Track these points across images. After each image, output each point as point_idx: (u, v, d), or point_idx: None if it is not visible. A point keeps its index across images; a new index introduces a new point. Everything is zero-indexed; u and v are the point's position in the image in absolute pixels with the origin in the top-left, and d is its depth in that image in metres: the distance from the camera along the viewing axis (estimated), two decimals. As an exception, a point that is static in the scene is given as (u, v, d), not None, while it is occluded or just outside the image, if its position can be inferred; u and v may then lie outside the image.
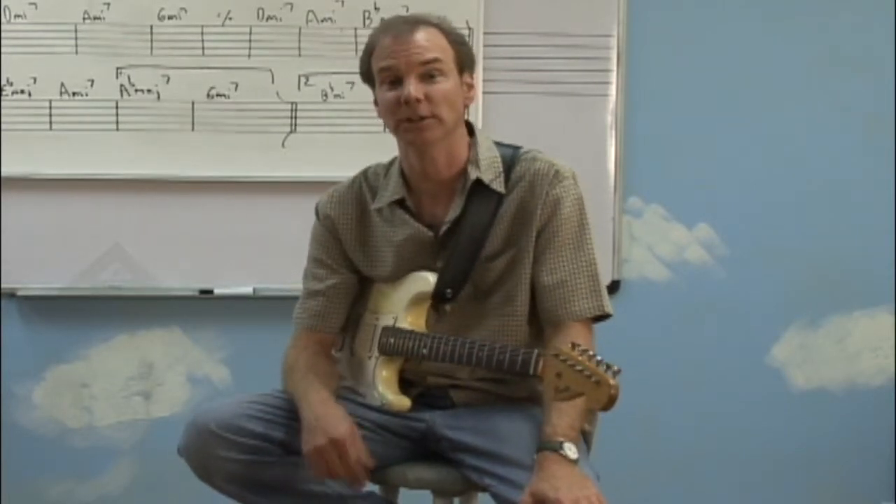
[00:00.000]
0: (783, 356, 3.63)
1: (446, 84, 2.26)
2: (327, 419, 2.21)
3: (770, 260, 3.59)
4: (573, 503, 2.00)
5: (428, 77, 2.25)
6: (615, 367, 1.99)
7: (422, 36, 2.26)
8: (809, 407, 3.63)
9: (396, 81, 2.26)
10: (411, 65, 2.24)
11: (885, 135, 3.58)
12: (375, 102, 2.34)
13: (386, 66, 2.26)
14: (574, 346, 2.04)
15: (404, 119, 2.25)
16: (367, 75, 2.34)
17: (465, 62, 2.32)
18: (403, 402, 2.33)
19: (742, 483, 3.62)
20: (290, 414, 2.30)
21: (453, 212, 2.33)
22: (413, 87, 2.23)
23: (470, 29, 3.36)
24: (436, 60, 2.25)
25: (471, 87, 2.34)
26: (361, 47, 3.34)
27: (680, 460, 3.60)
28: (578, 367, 2.00)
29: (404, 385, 2.36)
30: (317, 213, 2.46)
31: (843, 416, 3.63)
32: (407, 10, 3.36)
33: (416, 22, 2.29)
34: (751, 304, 3.60)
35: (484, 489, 2.26)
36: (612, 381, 1.97)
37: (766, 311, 3.60)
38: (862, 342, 3.64)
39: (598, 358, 2.00)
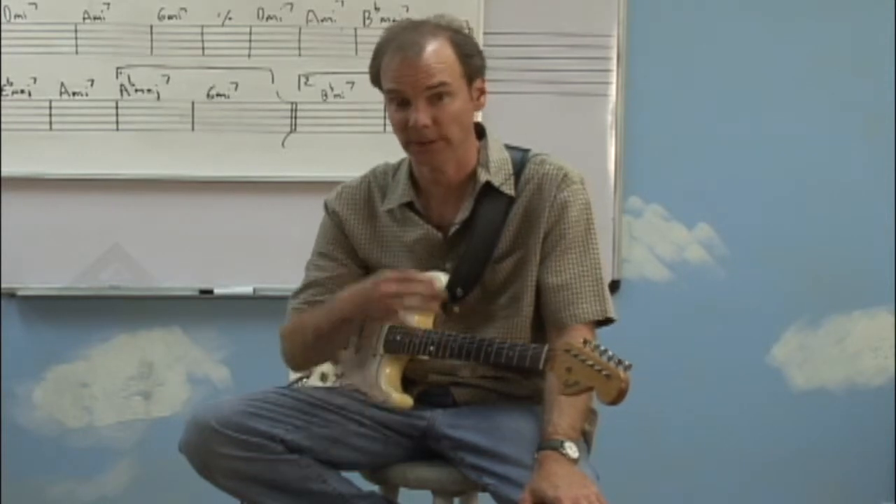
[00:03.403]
0: (783, 356, 3.63)
1: (454, 105, 2.25)
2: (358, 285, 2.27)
3: (770, 260, 3.60)
4: (573, 502, 2.00)
5: (436, 98, 2.23)
6: (626, 362, 2.00)
7: (430, 57, 2.22)
8: (809, 407, 3.63)
9: (404, 102, 2.24)
10: (418, 89, 2.22)
11: (884, 135, 3.58)
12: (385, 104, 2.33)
13: (393, 89, 2.25)
14: (585, 341, 2.05)
15: (414, 141, 2.26)
16: (376, 80, 2.32)
17: (474, 73, 2.29)
18: (406, 401, 2.33)
19: (742, 483, 3.62)
20: (291, 411, 2.30)
21: (462, 213, 2.34)
22: (421, 115, 2.22)
23: (470, 28, 3.35)
24: (442, 84, 2.23)
25: (482, 92, 2.33)
26: (361, 47, 3.42)
27: (680, 460, 3.60)
28: (589, 362, 2.02)
29: (406, 384, 2.36)
30: (326, 209, 2.46)
31: (843, 416, 3.63)
32: (407, 11, 3.37)
33: (425, 35, 2.24)
34: (751, 304, 3.60)
35: (484, 489, 2.26)
36: (622, 375, 1.99)
37: (766, 310, 3.60)
38: (862, 342, 3.64)
39: (610, 353, 2.02)
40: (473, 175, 2.34)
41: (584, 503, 2.01)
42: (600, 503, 2.04)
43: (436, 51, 2.23)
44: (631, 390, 2.01)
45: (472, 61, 2.29)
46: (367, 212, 2.42)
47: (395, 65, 2.24)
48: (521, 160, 2.37)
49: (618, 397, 2.00)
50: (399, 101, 2.25)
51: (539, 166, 2.35)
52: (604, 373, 2.00)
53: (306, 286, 2.44)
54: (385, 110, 3.35)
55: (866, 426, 3.63)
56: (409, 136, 2.26)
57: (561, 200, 2.32)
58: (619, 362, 2.01)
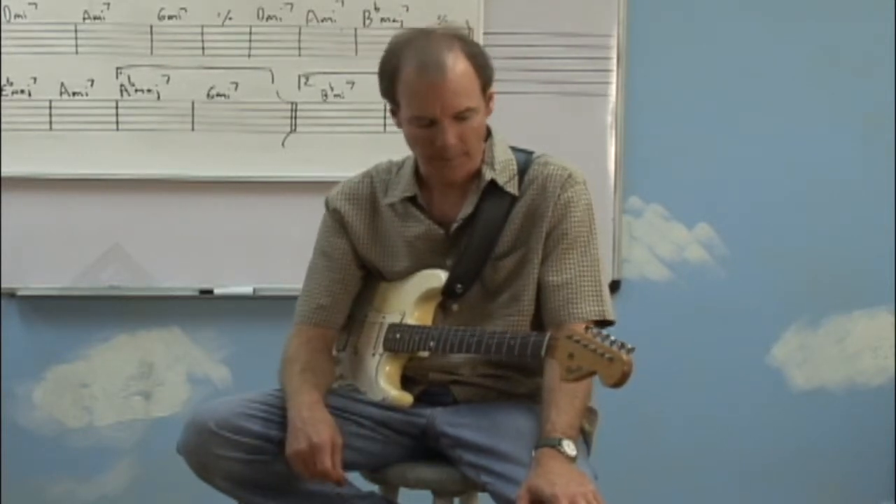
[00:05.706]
0: (783, 356, 3.63)
1: (476, 120, 2.26)
2: (312, 423, 2.21)
3: (770, 260, 3.59)
4: (570, 499, 2.00)
5: (461, 118, 2.24)
6: (629, 346, 2.00)
7: (455, 81, 2.21)
8: (809, 407, 3.62)
9: (429, 123, 2.23)
10: (446, 113, 2.22)
11: (884, 135, 3.58)
12: (393, 113, 2.33)
13: (419, 115, 2.24)
14: (588, 328, 2.06)
15: (436, 157, 2.27)
16: (389, 95, 2.31)
17: (488, 83, 2.31)
18: (405, 398, 2.33)
19: (742, 483, 3.62)
20: (288, 413, 2.30)
21: (465, 210, 2.34)
22: (449, 136, 2.22)
23: (470, 29, 3.36)
24: (469, 109, 2.24)
25: (491, 97, 2.34)
26: (361, 47, 3.42)
27: (680, 460, 3.60)
28: (591, 346, 2.02)
29: (406, 382, 2.36)
30: (327, 206, 2.46)
31: (843, 416, 3.63)
32: (407, 10, 3.37)
33: (442, 51, 2.23)
34: (751, 304, 3.59)
35: (483, 487, 2.26)
36: (625, 358, 1.99)
37: (766, 311, 3.60)
38: (862, 342, 3.64)
39: (612, 338, 2.02)
40: (478, 173, 2.35)
41: (581, 501, 2.01)
42: (597, 501, 2.04)
43: (458, 72, 2.22)
44: (631, 390, 2.01)
45: (486, 73, 2.30)
46: (368, 207, 2.42)
47: (421, 90, 2.22)
48: (525, 161, 2.38)
49: (621, 380, 1.99)
50: (424, 123, 2.24)
51: (543, 167, 2.36)
52: (606, 356, 2.00)
53: (312, 288, 2.43)
54: (385, 112, 3.39)
55: (866, 426, 3.62)
56: (434, 153, 2.26)
57: (564, 200, 2.33)
58: (622, 346, 2.01)
